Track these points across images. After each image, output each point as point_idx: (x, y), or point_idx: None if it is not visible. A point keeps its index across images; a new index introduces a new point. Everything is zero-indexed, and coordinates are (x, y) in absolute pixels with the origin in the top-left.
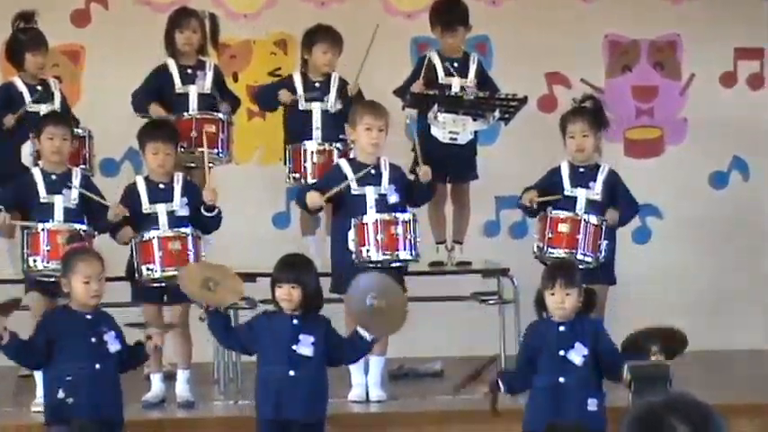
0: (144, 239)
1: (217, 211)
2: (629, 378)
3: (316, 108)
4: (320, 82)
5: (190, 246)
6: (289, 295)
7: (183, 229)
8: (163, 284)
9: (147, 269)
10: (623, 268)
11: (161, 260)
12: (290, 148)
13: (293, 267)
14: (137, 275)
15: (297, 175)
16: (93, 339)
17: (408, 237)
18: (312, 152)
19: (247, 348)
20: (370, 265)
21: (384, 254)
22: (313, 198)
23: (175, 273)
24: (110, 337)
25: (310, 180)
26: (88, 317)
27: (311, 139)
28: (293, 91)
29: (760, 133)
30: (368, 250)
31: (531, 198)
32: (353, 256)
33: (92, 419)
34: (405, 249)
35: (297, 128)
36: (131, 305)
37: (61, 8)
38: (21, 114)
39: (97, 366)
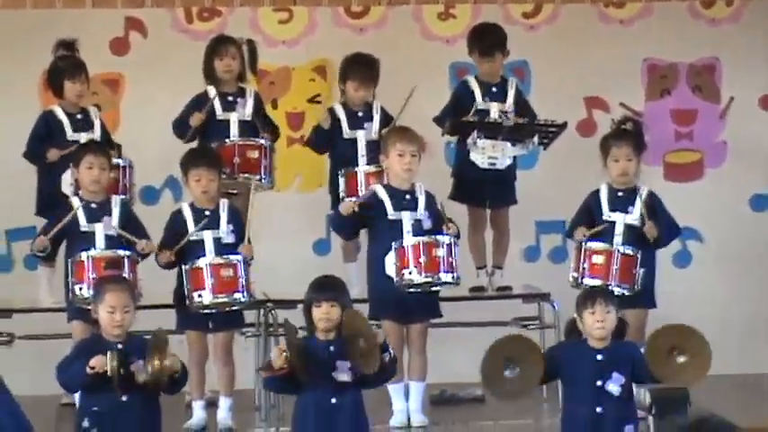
0: (195, 266)
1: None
2: (650, 401)
3: (360, 137)
4: (362, 111)
5: (240, 272)
6: (328, 314)
7: (233, 257)
8: (212, 311)
9: (198, 295)
10: (663, 292)
11: (212, 287)
12: (343, 173)
13: (331, 286)
14: (187, 302)
15: (353, 199)
16: (122, 371)
17: (450, 260)
18: (367, 174)
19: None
20: (411, 289)
21: (426, 276)
22: (345, 204)
23: (226, 300)
24: (138, 367)
25: None
26: (120, 346)
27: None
28: (336, 120)
29: None
30: (410, 272)
31: (583, 233)
32: (395, 279)
33: None
34: (446, 272)
35: (342, 156)
36: (176, 332)
37: (100, 36)
38: (66, 152)
39: (124, 399)
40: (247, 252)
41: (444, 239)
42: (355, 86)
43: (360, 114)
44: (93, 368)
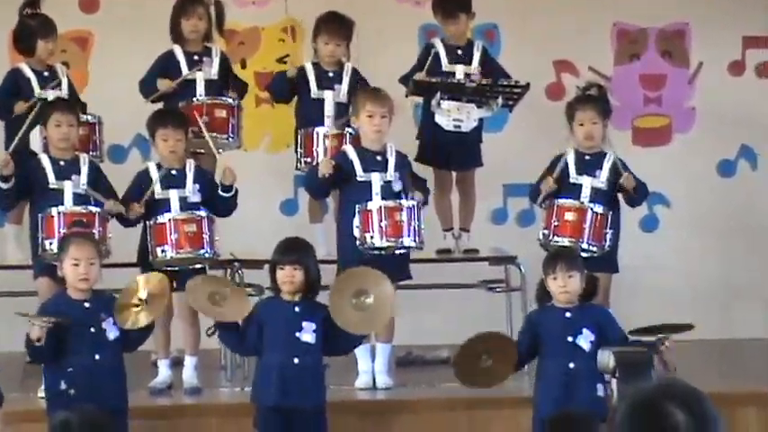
0: (158, 222)
1: (234, 190)
2: (614, 364)
3: (328, 97)
4: (333, 72)
5: (205, 229)
6: (291, 277)
7: (197, 212)
8: (175, 269)
9: (161, 251)
10: (631, 256)
11: (176, 242)
12: (301, 133)
13: (295, 249)
14: (150, 257)
15: (308, 160)
16: (92, 329)
17: (413, 224)
18: (324, 136)
19: (260, 350)
20: (374, 252)
21: (388, 240)
22: (324, 163)
23: (189, 255)
24: (108, 324)
25: None
26: (86, 305)
27: (323, 125)
28: (304, 77)
29: None
30: (372, 237)
31: (549, 183)
32: (358, 242)
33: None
34: (409, 236)
35: (308, 115)
36: None
37: None
38: (32, 103)
39: (96, 357)
40: (231, 175)
41: (407, 203)
42: (325, 40)
43: (330, 75)
44: (37, 340)
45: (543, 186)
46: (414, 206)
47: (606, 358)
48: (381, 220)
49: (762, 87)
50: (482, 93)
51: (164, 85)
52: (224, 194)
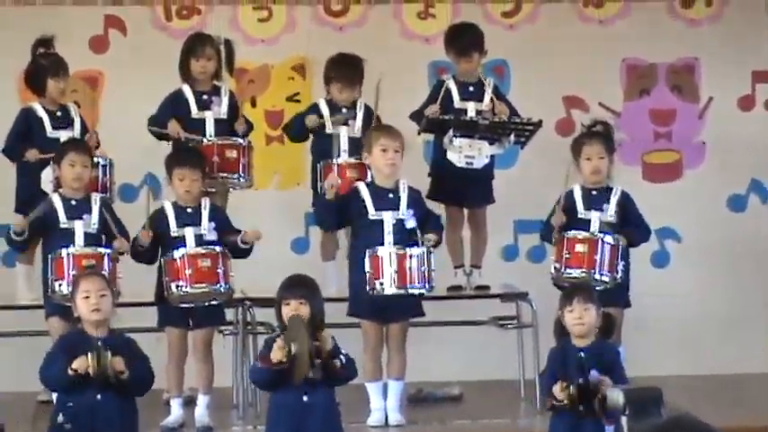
0: (172, 257)
1: (251, 245)
2: (623, 402)
3: (342, 132)
4: (346, 107)
5: (220, 263)
6: (296, 312)
7: (212, 247)
8: (190, 306)
9: (176, 286)
10: (642, 292)
11: (190, 277)
12: (321, 165)
13: (300, 285)
14: (165, 293)
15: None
16: (95, 364)
17: (423, 269)
18: (344, 167)
19: None
20: (384, 297)
21: (397, 288)
22: (329, 180)
23: (204, 290)
24: (120, 364)
25: None
26: (100, 344)
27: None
28: (320, 117)
29: None
30: (381, 283)
31: (559, 217)
32: (367, 287)
33: None
34: (418, 283)
35: (325, 149)
36: (157, 330)
37: (80, 34)
38: (47, 156)
39: (98, 397)
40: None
41: (416, 251)
42: (339, 88)
43: (344, 111)
44: (75, 370)
45: (554, 220)
46: (423, 253)
47: (616, 396)
48: (391, 266)
49: None
50: (495, 130)
51: (173, 129)
52: (242, 245)
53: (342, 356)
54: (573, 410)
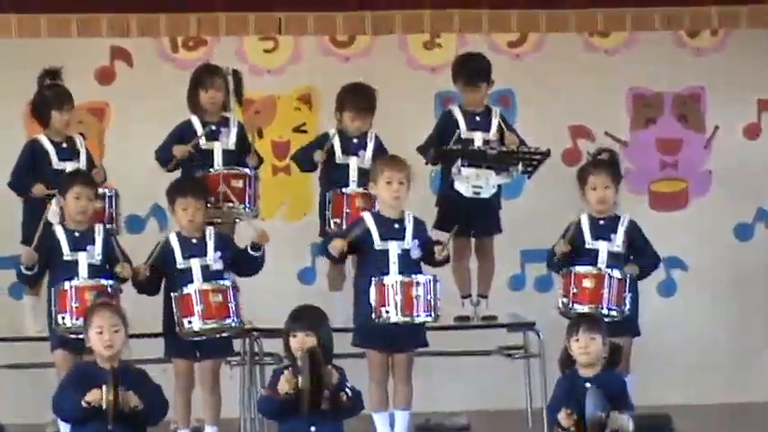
0: (183, 293)
1: (263, 250)
2: (633, 428)
3: (352, 162)
4: (357, 138)
5: (230, 298)
6: (303, 344)
7: (222, 282)
8: (200, 339)
9: (188, 322)
10: (649, 321)
11: (202, 313)
12: (329, 194)
13: (307, 316)
14: (177, 329)
15: (338, 221)
16: (110, 398)
17: (428, 297)
18: (353, 197)
19: None
20: (390, 325)
21: (403, 315)
22: (335, 244)
23: (215, 325)
24: (128, 396)
25: None
26: (111, 376)
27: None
28: (330, 147)
29: None
30: (387, 311)
31: (563, 246)
32: (373, 316)
33: None
34: (424, 311)
35: (334, 179)
36: (164, 361)
37: (86, 65)
38: (53, 192)
39: (109, 427)
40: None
41: (422, 279)
42: (351, 117)
43: (354, 141)
44: (89, 403)
45: (557, 248)
46: (429, 280)
47: (626, 423)
48: (396, 295)
49: None
50: (503, 160)
51: (179, 151)
52: (253, 253)
53: (348, 389)
54: None
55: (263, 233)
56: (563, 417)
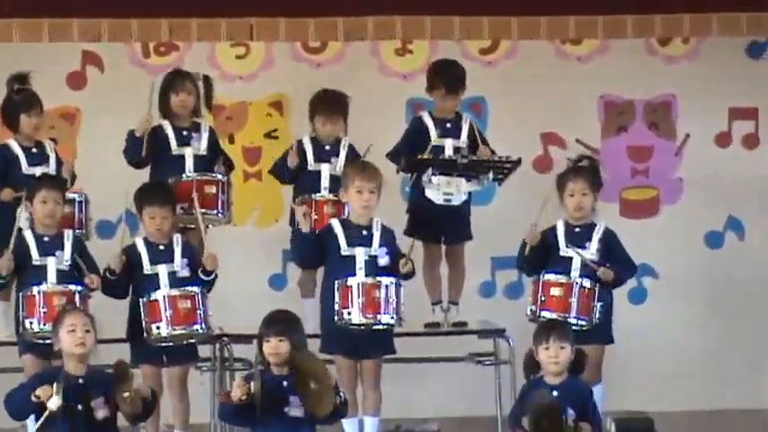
0: (152, 299)
1: (214, 275)
2: (615, 431)
3: (324, 169)
4: (330, 145)
5: (199, 304)
6: (276, 348)
7: (191, 288)
8: (168, 344)
9: (156, 327)
10: (619, 328)
11: (171, 319)
12: (298, 201)
13: (280, 321)
14: (145, 334)
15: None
16: (80, 406)
17: (391, 301)
18: (322, 203)
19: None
20: (352, 327)
21: (366, 317)
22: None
23: (184, 332)
24: (97, 403)
25: None
26: (80, 381)
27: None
28: (303, 154)
29: (755, 193)
30: (349, 313)
31: (533, 234)
32: (335, 318)
33: None
34: (387, 313)
35: (306, 186)
36: (131, 366)
37: (57, 70)
38: (20, 195)
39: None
40: (212, 262)
41: (386, 281)
42: (322, 121)
43: (327, 148)
44: (38, 397)
45: (528, 237)
46: (393, 283)
47: (608, 425)
48: (359, 297)
49: (748, 158)
50: (474, 168)
51: (142, 124)
52: (204, 277)
53: (341, 393)
54: None
55: (210, 257)
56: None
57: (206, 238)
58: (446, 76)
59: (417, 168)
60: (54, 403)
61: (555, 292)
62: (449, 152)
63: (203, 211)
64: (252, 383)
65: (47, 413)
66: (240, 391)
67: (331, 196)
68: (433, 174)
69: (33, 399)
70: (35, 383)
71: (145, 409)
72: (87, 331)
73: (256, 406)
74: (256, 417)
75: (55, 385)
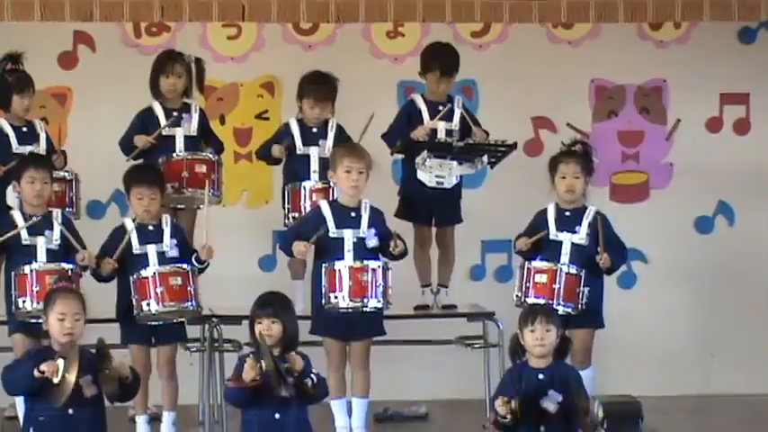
0: (141, 276)
1: (207, 264)
2: (602, 415)
3: (313, 153)
4: (318, 128)
5: (190, 281)
6: (269, 330)
7: (182, 265)
8: (157, 323)
9: (146, 304)
10: (609, 313)
11: (161, 295)
12: (288, 188)
13: (272, 303)
14: (134, 311)
15: (296, 214)
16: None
17: (378, 284)
18: (311, 191)
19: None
20: (340, 311)
21: (353, 301)
22: (299, 248)
23: (174, 309)
24: (86, 381)
25: None
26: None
27: (309, 180)
28: (291, 137)
29: (745, 178)
30: (336, 297)
31: (524, 242)
32: (323, 301)
33: None
34: (374, 297)
35: (294, 171)
36: (120, 347)
37: (49, 50)
38: (9, 167)
39: (70, 411)
40: (208, 254)
41: (373, 264)
42: (311, 104)
43: (314, 131)
44: (42, 372)
45: (518, 244)
46: (380, 267)
47: (595, 409)
48: (346, 280)
49: (739, 143)
50: (470, 152)
51: (141, 141)
52: (197, 265)
53: (313, 376)
54: (516, 427)
55: (207, 249)
56: (499, 404)
57: (205, 229)
58: (442, 58)
59: (413, 150)
60: (59, 379)
61: (539, 278)
62: (441, 135)
63: (194, 190)
64: (263, 361)
65: (59, 386)
66: (253, 371)
67: (320, 184)
68: (427, 156)
69: (36, 374)
70: (36, 358)
71: (124, 389)
72: (77, 320)
73: (272, 382)
74: (267, 397)
75: (61, 361)
